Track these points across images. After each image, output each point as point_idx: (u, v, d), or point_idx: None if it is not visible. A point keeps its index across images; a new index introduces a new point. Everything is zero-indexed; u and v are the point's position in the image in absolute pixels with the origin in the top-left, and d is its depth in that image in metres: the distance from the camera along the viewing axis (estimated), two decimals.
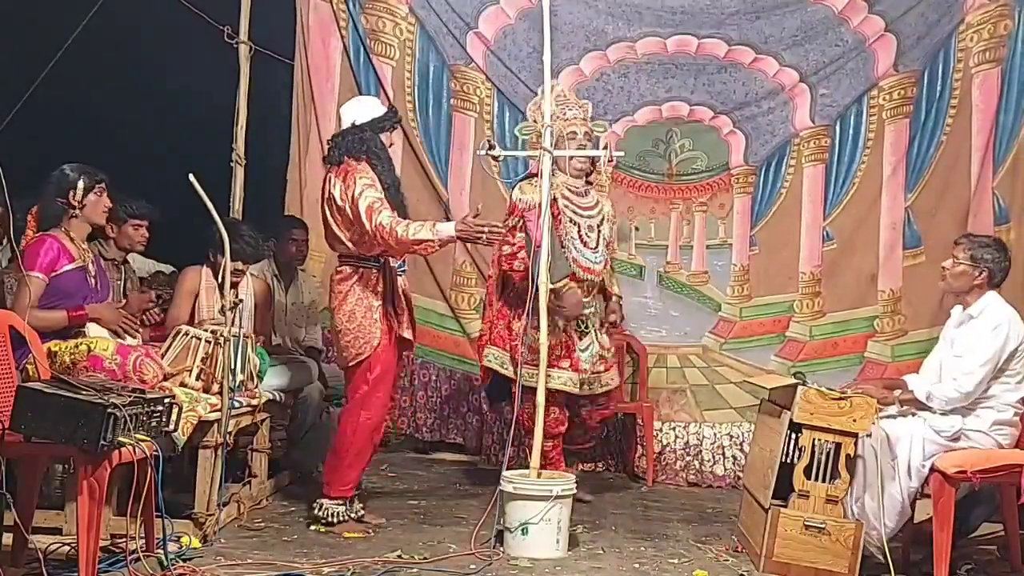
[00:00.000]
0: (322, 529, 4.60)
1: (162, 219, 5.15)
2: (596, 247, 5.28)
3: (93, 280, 4.37)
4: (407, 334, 4.70)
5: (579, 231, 5.24)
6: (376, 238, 4.42)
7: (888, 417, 4.30)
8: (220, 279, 4.84)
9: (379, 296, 4.58)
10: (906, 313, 6.40)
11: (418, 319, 5.15)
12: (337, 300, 4.61)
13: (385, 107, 4.84)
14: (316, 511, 4.65)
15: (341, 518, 4.61)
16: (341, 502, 4.63)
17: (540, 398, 4.66)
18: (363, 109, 4.70)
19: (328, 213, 4.57)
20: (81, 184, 4.29)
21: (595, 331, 5.32)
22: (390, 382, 4.73)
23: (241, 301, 4.70)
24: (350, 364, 4.59)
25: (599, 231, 5.32)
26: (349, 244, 4.56)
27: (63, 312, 4.18)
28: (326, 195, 4.58)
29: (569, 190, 5.26)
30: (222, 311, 4.67)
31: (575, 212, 5.26)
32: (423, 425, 6.53)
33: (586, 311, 5.27)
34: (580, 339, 5.26)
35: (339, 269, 4.64)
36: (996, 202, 6.35)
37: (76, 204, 4.29)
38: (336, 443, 4.66)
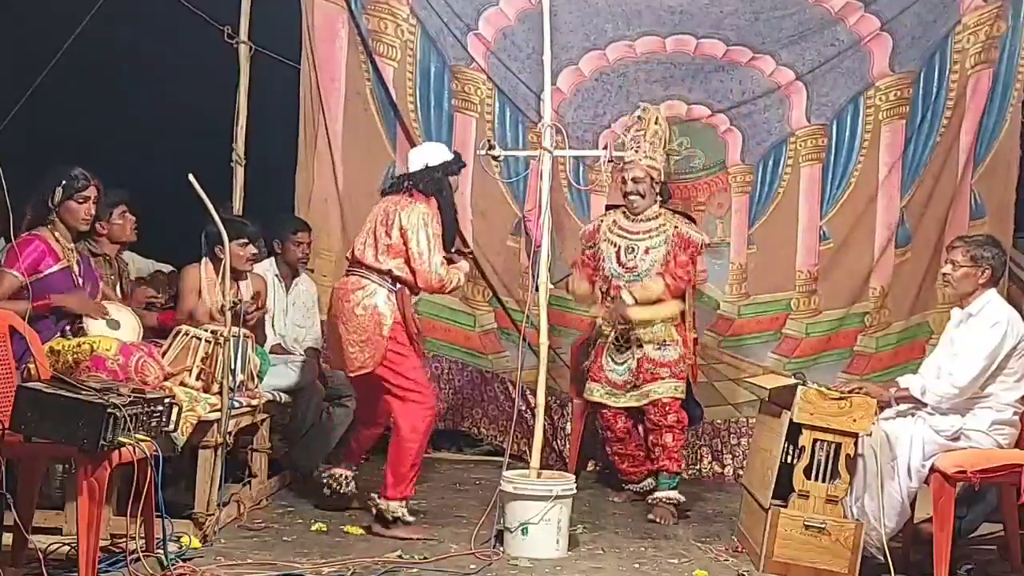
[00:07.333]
0: (388, 528, 4.57)
1: (135, 203, 5.12)
2: (634, 268, 5.27)
3: (80, 280, 4.37)
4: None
5: (617, 252, 5.33)
6: (428, 286, 4.71)
7: (888, 417, 4.31)
8: (220, 276, 4.89)
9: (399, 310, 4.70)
10: (890, 307, 6.45)
11: (430, 314, 5.21)
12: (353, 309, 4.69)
13: (452, 154, 4.96)
14: (383, 510, 4.59)
15: (406, 519, 4.60)
16: (403, 502, 4.63)
17: (540, 397, 4.71)
18: (435, 153, 4.90)
19: (383, 233, 4.67)
20: (59, 191, 4.28)
21: (644, 347, 5.23)
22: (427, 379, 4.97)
23: (243, 302, 4.72)
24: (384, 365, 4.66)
25: (641, 253, 5.29)
26: (397, 271, 4.66)
27: (27, 303, 4.09)
28: (390, 219, 4.67)
29: (624, 215, 5.38)
30: (221, 310, 4.67)
31: (617, 234, 5.36)
32: (438, 414, 6.51)
33: (615, 328, 5.31)
34: (620, 353, 5.32)
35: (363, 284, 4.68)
36: (973, 198, 6.39)
37: (52, 207, 4.28)
38: (397, 445, 4.64)
